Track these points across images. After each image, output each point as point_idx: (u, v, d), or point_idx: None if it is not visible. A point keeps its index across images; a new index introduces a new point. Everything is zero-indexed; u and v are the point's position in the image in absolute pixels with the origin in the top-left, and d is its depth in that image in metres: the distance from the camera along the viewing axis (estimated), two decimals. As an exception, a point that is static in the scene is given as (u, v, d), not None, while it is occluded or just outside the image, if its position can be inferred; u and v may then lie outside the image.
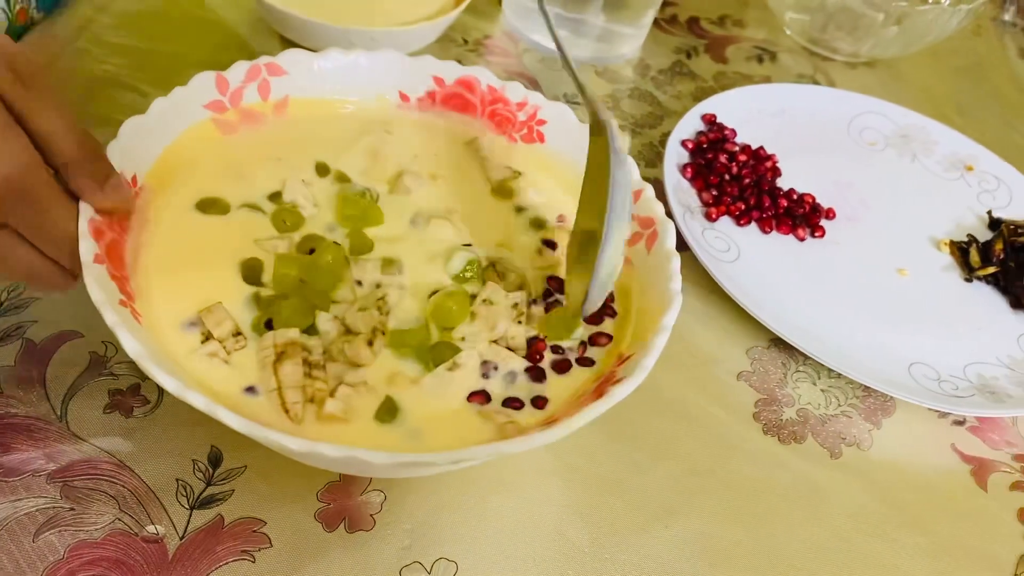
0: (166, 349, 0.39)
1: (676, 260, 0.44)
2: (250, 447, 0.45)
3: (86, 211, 0.38)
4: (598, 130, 0.43)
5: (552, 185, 0.52)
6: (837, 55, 0.88)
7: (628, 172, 0.41)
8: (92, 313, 0.47)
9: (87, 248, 0.37)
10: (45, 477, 0.42)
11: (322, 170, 0.49)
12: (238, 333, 0.41)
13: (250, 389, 0.39)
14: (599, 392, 0.39)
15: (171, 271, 0.42)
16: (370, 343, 0.41)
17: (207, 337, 0.40)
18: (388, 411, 0.40)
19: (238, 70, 0.48)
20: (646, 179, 0.48)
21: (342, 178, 0.49)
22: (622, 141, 0.42)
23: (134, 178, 0.42)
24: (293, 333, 0.41)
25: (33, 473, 0.42)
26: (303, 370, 0.39)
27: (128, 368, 0.46)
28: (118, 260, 0.40)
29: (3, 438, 0.42)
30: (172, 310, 0.41)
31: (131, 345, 0.34)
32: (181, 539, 0.41)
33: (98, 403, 0.45)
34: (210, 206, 0.46)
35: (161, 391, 0.46)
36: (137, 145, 0.43)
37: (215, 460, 0.44)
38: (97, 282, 0.36)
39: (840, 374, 0.55)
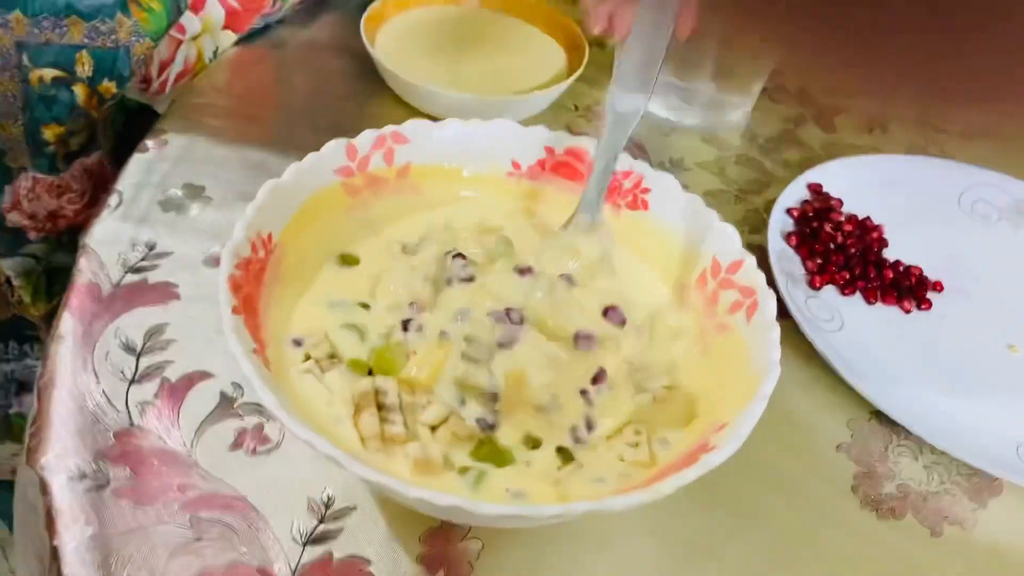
0: (291, 393, 0.43)
1: (776, 330, 0.44)
2: (360, 488, 0.48)
3: (225, 267, 0.42)
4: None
5: (653, 248, 0.54)
6: (951, 125, 0.87)
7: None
8: (223, 356, 0.52)
9: (226, 301, 0.41)
10: (176, 507, 0.45)
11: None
12: (333, 356, 0.45)
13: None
14: (693, 457, 0.40)
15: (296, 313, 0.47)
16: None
17: (307, 357, 0.45)
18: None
19: (366, 138, 0.52)
20: (749, 245, 0.49)
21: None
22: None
23: (270, 236, 0.46)
24: (366, 384, 0.44)
25: (165, 503, 0.45)
26: (379, 416, 0.43)
27: (253, 409, 0.50)
28: (252, 311, 0.43)
29: (143, 467, 0.47)
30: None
31: (267, 398, 0.38)
32: (292, 574, 0.44)
33: (225, 440, 0.49)
34: (346, 260, 0.51)
35: (283, 432, 0.49)
36: (274, 205, 0.47)
37: (328, 499, 0.47)
38: (235, 333, 0.40)
39: (944, 451, 0.54)
